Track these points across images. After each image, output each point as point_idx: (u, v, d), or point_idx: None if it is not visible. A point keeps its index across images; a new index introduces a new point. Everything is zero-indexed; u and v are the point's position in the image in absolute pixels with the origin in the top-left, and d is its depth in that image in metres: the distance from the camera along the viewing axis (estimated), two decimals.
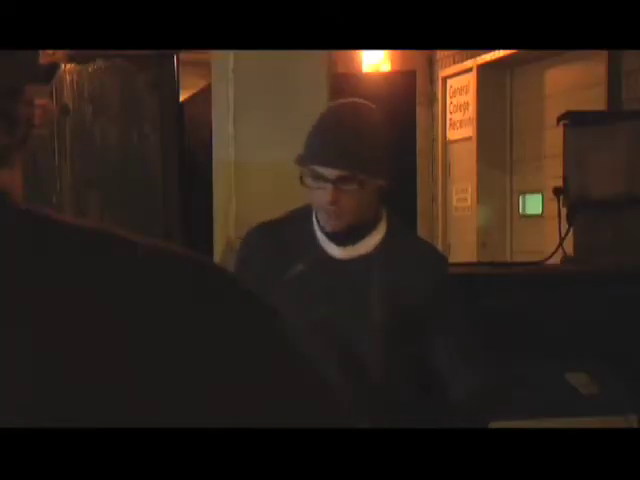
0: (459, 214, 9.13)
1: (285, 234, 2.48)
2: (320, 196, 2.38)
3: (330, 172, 2.35)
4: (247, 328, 0.76)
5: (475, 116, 8.72)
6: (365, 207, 2.41)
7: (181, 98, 6.16)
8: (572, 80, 7.69)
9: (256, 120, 3.88)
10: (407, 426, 2.37)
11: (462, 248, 8.88)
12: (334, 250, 2.43)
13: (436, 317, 2.46)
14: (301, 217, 2.49)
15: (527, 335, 4.01)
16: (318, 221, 2.45)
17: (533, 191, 8.30)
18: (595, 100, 6.95)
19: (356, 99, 2.50)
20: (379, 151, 2.39)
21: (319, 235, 2.45)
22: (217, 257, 3.88)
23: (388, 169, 2.43)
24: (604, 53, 6.84)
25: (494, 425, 2.51)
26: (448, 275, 2.54)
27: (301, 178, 2.41)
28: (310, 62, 3.92)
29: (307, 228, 2.46)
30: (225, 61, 4.03)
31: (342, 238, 2.42)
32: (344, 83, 5.84)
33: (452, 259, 8.82)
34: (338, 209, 2.37)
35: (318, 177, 2.37)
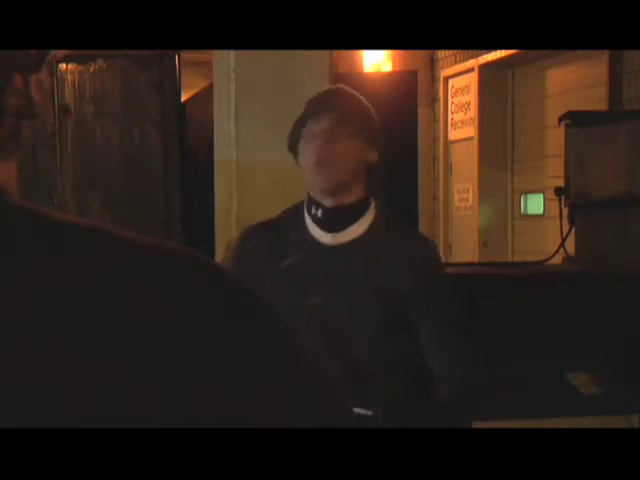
0: (460, 214, 9.13)
1: (278, 229, 2.52)
2: (313, 148, 2.46)
3: (325, 119, 2.45)
4: (247, 327, 0.76)
5: (476, 116, 8.71)
6: (353, 169, 2.46)
7: (182, 98, 6.16)
8: (573, 80, 7.69)
9: (257, 120, 3.88)
10: (399, 413, 2.39)
11: (463, 248, 8.88)
12: (323, 237, 2.47)
13: (426, 304, 2.45)
14: (292, 210, 2.54)
15: (527, 335, 4.00)
16: (309, 210, 2.50)
17: (534, 191, 8.29)
18: (596, 100, 6.95)
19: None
20: (369, 117, 2.51)
21: (309, 224, 2.49)
22: (218, 257, 3.88)
23: (378, 143, 2.52)
24: (605, 53, 6.84)
25: (494, 425, 2.51)
26: (439, 262, 2.57)
27: (290, 141, 2.52)
28: (311, 62, 3.92)
29: (298, 219, 2.51)
30: (226, 61, 4.03)
31: (331, 223, 2.46)
32: (345, 83, 5.83)
33: (453, 259, 8.86)
34: (331, 156, 2.44)
35: (312, 129, 2.46)
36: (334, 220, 2.46)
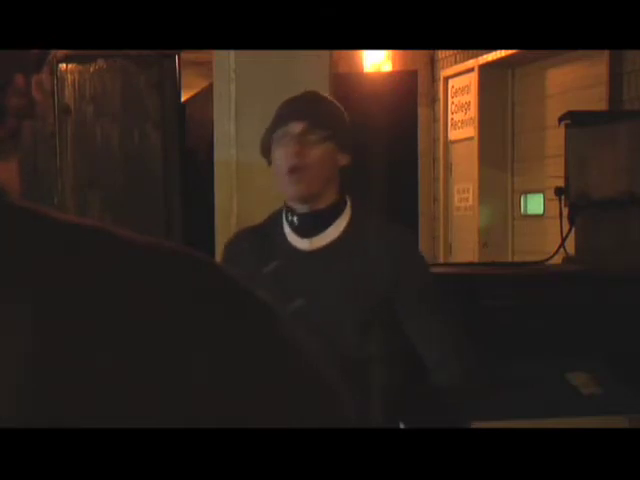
0: (460, 214, 9.13)
1: (264, 234, 2.52)
2: (283, 157, 2.45)
3: (294, 126, 2.44)
4: (247, 327, 0.76)
5: (476, 116, 8.72)
6: (326, 175, 2.46)
7: (182, 98, 6.16)
8: (573, 80, 7.69)
9: (257, 119, 3.88)
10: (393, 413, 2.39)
11: (463, 248, 8.88)
12: (300, 243, 2.48)
13: (409, 301, 2.44)
14: (274, 217, 2.56)
15: (527, 335, 4.00)
16: (286, 217, 2.51)
17: (534, 191, 8.30)
18: (596, 100, 6.95)
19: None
20: (340, 120, 2.50)
21: (287, 231, 2.50)
22: (218, 257, 3.88)
23: (351, 146, 2.51)
24: (605, 53, 6.85)
25: (494, 425, 2.50)
26: (419, 255, 2.55)
27: (262, 148, 2.51)
28: (311, 62, 3.92)
29: (278, 226, 2.51)
30: (226, 61, 4.03)
31: (306, 229, 2.48)
32: (345, 83, 5.84)
33: (453, 259, 8.85)
34: (302, 164, 2.43)
35: (282, 137, 2.45)
36: (309, 226, 2.48)
